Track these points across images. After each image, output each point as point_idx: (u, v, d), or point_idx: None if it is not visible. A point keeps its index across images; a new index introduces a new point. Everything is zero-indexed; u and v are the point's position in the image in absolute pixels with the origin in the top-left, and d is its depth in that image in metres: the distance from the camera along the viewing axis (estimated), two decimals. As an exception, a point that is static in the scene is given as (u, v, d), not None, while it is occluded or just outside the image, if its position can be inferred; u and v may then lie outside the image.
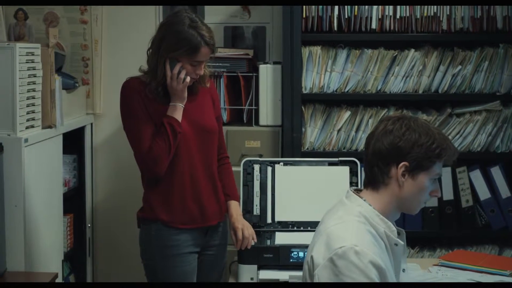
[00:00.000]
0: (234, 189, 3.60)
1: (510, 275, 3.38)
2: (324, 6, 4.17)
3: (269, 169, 3.76)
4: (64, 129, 4.11)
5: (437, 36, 4.21)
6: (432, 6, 4.17)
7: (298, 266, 3.36)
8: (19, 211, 3.58)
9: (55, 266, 4.00)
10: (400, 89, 4.24)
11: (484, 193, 4.29)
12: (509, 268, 3.44)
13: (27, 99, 3.67)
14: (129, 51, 4.57)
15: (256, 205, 3.72)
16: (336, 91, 4.26)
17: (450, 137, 4.22)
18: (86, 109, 4.63)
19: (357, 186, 3.68)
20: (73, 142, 4.48)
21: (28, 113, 3.68)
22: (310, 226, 3.65)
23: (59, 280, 3.84)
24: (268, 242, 3.53)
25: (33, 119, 3.74)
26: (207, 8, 4.63)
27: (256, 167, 3.76)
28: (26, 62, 3.66)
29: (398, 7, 4.17)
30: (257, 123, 4.32)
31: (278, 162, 3.80)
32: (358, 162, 3.75)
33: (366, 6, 4.18)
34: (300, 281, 3.12)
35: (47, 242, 3.91)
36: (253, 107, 4.33)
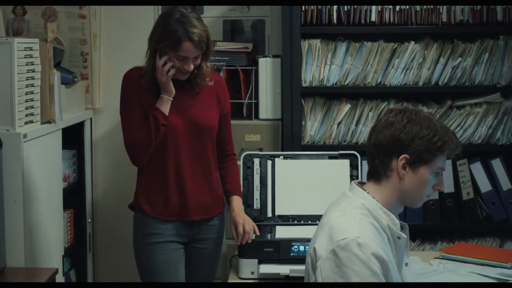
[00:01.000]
0: (238, 185, 3.60)
1: (511, 268, 3.38)
2: (324, -1, 4.16)
3: (269, 163, 3.75)
4: (63, 124, 4.10)
5: (437, 28, 4.20)
6: (432, -2, 4.16)
7: (298, 260, 3.35)
8: (19, 207, 3.57)
9: (55, 262, 3.99)
10: (400, 81, 4.23)
11: (485, 185, 4.28)
12: (510, 260, 3.43)
13: (25, 94, 3.65)
14: (128, 45, 4.55)
15: (256, 199, 3.71)
16: (336, 84, 4.24)
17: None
18: (85, 104, 4.61)
19: (357, 179, 3.67)
20: (73, 137, 4.47)
21: (27, 108, 3.67)
22: (310, 219, 3.64)
23: (59, 275, 3.83)
24: (269, 236, 3.52)
25: (32, 114, 3.72)
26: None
27: (256, 161, 3.75)
28: (25, 57, 3.64)
29: (398, -2, 4.16)
30: (257, 117, 4.31)
31: (278, 156, 3.79)
32: (358, 155, 3.74)
33: (366, -2, 4.17)
34: (301, 274, 3.12)
35: (47, 237, 3.90)
36: (253, 101, 4.32)
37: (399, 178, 2.57)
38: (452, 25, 4.20)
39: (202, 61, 3.39)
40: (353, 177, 3.72)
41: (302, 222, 3.66)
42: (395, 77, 4.22)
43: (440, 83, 4.23)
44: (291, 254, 3.41)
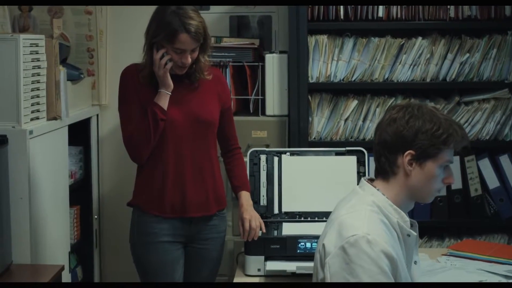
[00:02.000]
0: (245, 179, 3.59)
1: (519, 265, 3.36)
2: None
3: (276, 159, 3.73)
4: (69, 120, 4.08)
5: (445, 23, 4.17)
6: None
7: (305, 256, 3.34)
8: (25, 204, 3.56)
9: (61, 258, 3.98)
10: (408, 77, 4.21)
11: (493, 181, 4.25)
12: (519, 257, 3.42)
13: (31, 90, 3.64)
14: (134, 41, 4.49)
15: (263, 196, 3.69)
16: (343, 80, 4.22)
17: (458, 125, 4.18)
18: (91, 100, 4.60)
19: (365, 175, 3.65)
20: (79, 134, 4.46)
21: (32, 104, 3.66)
22: (317, 216, 3.63)
23: (65, 272, 3.82)
24: (275, 233, 3.51)
25: (38, 110, 3.71)
26: (213, -3, 4.60)
27: (263, 158, 3.73)
28: (30, 54, 3.63)
29: (405, -6, 4.14)
30: (263, 113, 4.29)
31: (285, 152, 3.77)
32: (366, 152, 3.72)
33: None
34: (308, 271, 3.11)
35: (53, 234, 3.89)
36: (260, 97, 4.30)
37: (406, 175, 2.56)
38: (459, 21, 4.17)
39: (200, 55, 3.37)
40: (360, 173, 3.70)
41: (309, 219, 3.65)
42: (403, 73, 4.20)
43: (447, 79, 4.21)
44: (298, 251, 3.39)
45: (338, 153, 3.77)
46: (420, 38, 4.19)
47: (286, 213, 3.68)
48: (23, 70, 3.56)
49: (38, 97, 3.72)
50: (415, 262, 2.65)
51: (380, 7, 4.14)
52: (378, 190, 2.60)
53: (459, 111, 4.21)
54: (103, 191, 4.73)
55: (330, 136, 4.25)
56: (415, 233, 2.60)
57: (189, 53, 3.30)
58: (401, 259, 2.50)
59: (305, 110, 4.13)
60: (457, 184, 4.22)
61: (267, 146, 4.18)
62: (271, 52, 4.29)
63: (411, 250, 2.61)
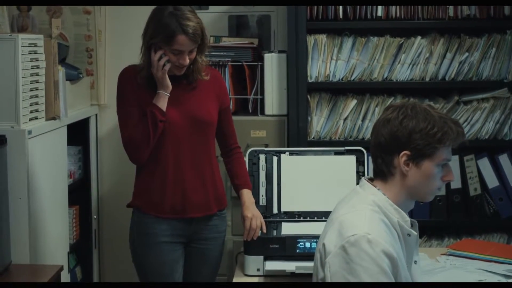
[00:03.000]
0: (247, 178, 3.58)
1: (519, 264, 3.36)
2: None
3: (275, 159, 3.73)
4: (68, 120, 4.08)
5: (444, 23, 4.17)
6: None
7: (304, 256, 3.33)
8: (24, 204, 3.56)
9: (61, 258, 3.98)
10: (407, 77, 4.21)
11: (492, 181, 4.25)
12: (518, 257, 3.41)
13: (30, 90, 3.64)
14: (133, 41, 4.49)
15: (262, 196, 3.69)
16: (342, 79, 4.22)
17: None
18: (90, 100, 4.60)
19: (364, 175, 3.65)
20: (78, 134, 4.46)
21: (31, 104, 3.66)
22: (316, 216, 3.62)
23: (65, 272, 3.81)
24: (274, 232, 3.50)
25: (36, 110, 3.71)
26: (211, -3, 4.60)
27: (262, 157, 3.73)
28: (29, 54, 3.63)
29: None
30: (262, 113, 4.28)
31: (284, 152, 3.76)
32: (365, 151, 3.71)
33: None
34: (307, 271, 3.11)
35: (53, 234, 3.88)
36: (259, 97, 4.29)
37: (403, 175, 2.56)
38: (459, 20, 4.17)
39: (197, 55, 3.36)
40: (359, 173, 3.69)
41: (308, 219, 3.64)
42: (402, 72, 4.20)
43: (447, 78, 4.20)
44: (297, 250, 3.39)
45: (337, 153, 3.77)
46: (419, 38, 4.18)
47: (285, 213, 3.68)
48: (22, 70, 3.55)
49: (37, 97, 3.71)
50: (415, 262, 2.65)
51: (379, 7, 4.14)
52: (378, 189, 2.59)
53: (458, 110, 4.21)
54: (102, 191, 4.73)
55: (329, 135, 4.25)
56: (415, 233, 2.60)
57: (187, 54, 3.29)
58: (402, 258, 2.50)
59: (304, 109, 4.13)
60: (456, 184, 4.22)
61: (266, 145, 4.18)
62: (270, 52, 4.28)
63: (412, 250, 2.61)
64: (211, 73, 3.50)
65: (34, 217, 3.64)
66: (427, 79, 4.21)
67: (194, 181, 3.41)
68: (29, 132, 3.58)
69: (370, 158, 3.86)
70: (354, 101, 4.23)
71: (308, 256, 3.30)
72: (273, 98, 4.25)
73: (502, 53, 4.18)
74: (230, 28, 4.59)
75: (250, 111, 4.32)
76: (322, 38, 4.18)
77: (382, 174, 2.60)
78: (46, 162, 3.79)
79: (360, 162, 3.71)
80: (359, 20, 4.18)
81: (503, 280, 3.19)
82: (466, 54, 4.17)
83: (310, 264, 3.10)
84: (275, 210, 3.68)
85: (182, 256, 3.48)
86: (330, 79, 4.22)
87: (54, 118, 3.87)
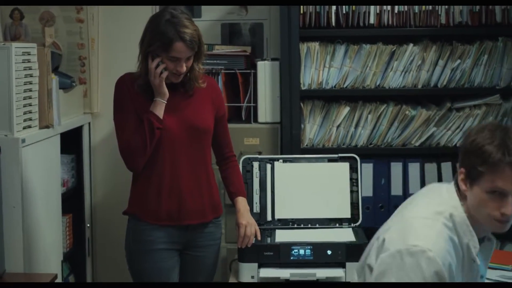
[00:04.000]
0: (242, 186, 3.59)
1: (512, 270, 3.37)
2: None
3: (268, 166, 3.74)
4: (61, 129, 4.08)
5: (436, 30, 4.19)
6: None
7: (299, 263, 3.35)
8: (17, 212, 3.56)
9: (54, 267, 3.97)
10: (399, 84, 4.22)
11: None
12: (511, 262, 3.42)
13: (24, 99, 3.64)
14: (126, 49, 4.53)
15: (256, 203, 3.70)
16: (334, 87, 4.23)
17: (449, 131, 4.20)
18: (83, 109, 4.60)
19: (357, 182, 3.65)
20: (71, 142, 4.45)
21: (25, 113, 3.66)
22: (310, 223, 3.64)
23: (58, 280, 3.81)
24: (268, 240, 3.51)
25: (30, 119, 3.71)
26: (204, 6, 4.60)
27: (255, 165, 3.74)
28: (23, 62, 3.63)
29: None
30: (255, 120, 4.29)
31: (278, 159, 3.78)
32: (358, 158, 3.73)
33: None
34: (301, 278, 3.11)
35: (46, 242, 3.88)
36: (252, 104, 4.30)
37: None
38: (451, 27, 4.19)
39: (194, 63, 3.38)
40: (352, 180, 3.70)
41: (302, 226, 3.65)
42: (394, 80, 4.21)
43: (439, 85, 4.22)
44: (291, 258, 3.40)
45: (330, 160, 3.78)
46: (411, 45, 4.20)
47: (279, 220, 3.69)
48: (16, 78, 3.56)
49: (30, 105, 3.71)
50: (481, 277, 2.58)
51: (372, 14, 4.15)
52: (462, 205, 2.46)
53: (451, 117, 4.22)
54: (95, 200, 4.73)
55: (322, 143, 4.25)
56: (478, 262, 2.48)
57: (184, 61, 3.31)
58: (454, 280, 2.40)
59: (297, 117, 4.14)
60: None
61: (260, 153, 4.18)
62: (263, 60, 4.30)
63: (475, 274, 2.51)
64: (207, 81, 3.51)
65: (28, 225, 3.64)
66: (420, 86, 4.22)
67: (190, 189, 3.41)
68: (23, 140, 3.58)
69: (363, 165, 3.90)
70: (347, 108, 4.24)
71: (302, 263, 3.31)
72: (266, 105, 4.26)
73: (494, 60, 4.20)
74: (223, 36, 4.60)
75: (243, 118, 4.32)
76: (315, 45, 4.19)
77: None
78: (40, 170, 3.79)
79: (353, 169, 3.73)
80: (351, 27, 4.19)
81: (497, 286, 3.20)
82: (458, 61, 4.19)
83: (304, 271, 3.12)
84: (269, 217, 3.69)
85: (178, 264, 3.48)
86: (323, 86, 4.23)
87: (47, 127, 3.87)
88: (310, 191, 3.70)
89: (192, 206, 3.41)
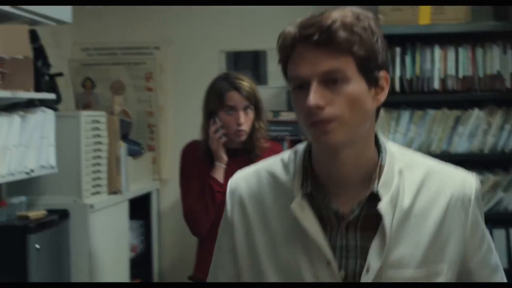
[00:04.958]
0: None
1: None
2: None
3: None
4: (130, 194, 4.16)
5: (501, 94, 4.17)
6: (495, 65, 4.14)
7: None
8: (85, 277, 3.62)
9: (121, 332, 4.02)
10: (465, 149, 4.20)
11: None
12: None
13: (92, 165, 3.73)
14: (194, 117, 4.61)
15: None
16: (400, 152, 4.22)
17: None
18: (152, 175, 4.68)
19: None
20: (140, 208, 4.53)
21: (94, 179, 3.75)
22: None
23: None
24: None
25: (99, 185, 3.80)
26: (270, 73, 4.68)
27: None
28: (92, 130, 3.74)
29: (460, 66, 4.15)
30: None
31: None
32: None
33: (428, 66, 4.16)
34: None
35: (114, 307, 3.93)
36: (316, 170, 4.31)
37: None
38: (516, 92, 4.17)
39: (255, 122, 3.40)
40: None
41: None
42: (460, 145, 4.19)
43: (506, 150, 4.18)
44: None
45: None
46: (476, 110, 4.18)
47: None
48: (85, 146, 3.66)
49: (99, 172, 3.80)
50: None
51: (436, 80, 4.16)
52: None
53: (519, 182, 4.18)
54: (163, 265, 4.77)
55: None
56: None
57: (243, 114, 3.34)
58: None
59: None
60: (503, 262, 4.14)
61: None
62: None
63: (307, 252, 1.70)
64: (273, 148, 3.53)
65: (96, 290, 3.70)
66: (486, 151, 4.19)
67: None
68: (91, 206, 3.66)
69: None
70: (413, 174, 4.21)
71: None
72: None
73: (561, 124, 4.16)
74: (288, 103, 4.65)
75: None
76: (380, 111, 4.19)
77: None
78: (108, 235, 3.86)
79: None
80: (416, 93, 4.20)
81: None
82: (525, 125, 4.16)
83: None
84: None
85: None
86: (388, 152, 4.22)
87: (116, 193, 3.95)
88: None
89: None
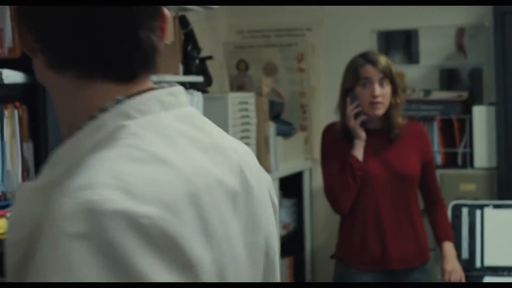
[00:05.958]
0: (449, 231, 3.56)
1: None
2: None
3: (478, 212, 3.68)
4: (280, 173, 4.25)
5: None
6: None
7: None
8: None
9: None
10: None
11: None
12: None
13: (241, 145, 3.84)
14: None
15: (465, 249, 3.65)
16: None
17: None
18: (304, 154, 4.76)
19: None
20: (293, 186, 4.62)
21: (242, 158, 3.85)
22: (523, 272, 3.53)
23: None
24: (475, 286, 3.46)
25: (247, 164, 3.90)
26: (422, 52, 4.63)
27: (465, 211, 3.69)
28: (240, 111, 3.84)
29: None
30: (472, 166, 4.24)
31: (488, 205, 3.71)
32: None
33: None
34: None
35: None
36: (468, 150, 4.26)
37: None
38: None
39: (392, 98, 3.40)
40: None
41: (513, 274, 3.56)
42: None
43: None
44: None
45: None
46: None
47: (488, 267, 3.61)
48: (232, 126, 3.77)
49: (248, 151, 3.90)
50: None
51: None
52: None
53: None
54: (316, 243, 4.84)
55: (542, 189, 4.13)
56: None
57: (378, 87, 3.35)
58: None
59: (514, 162, 4.06)
60: None
61: (476, 198, 4.12)
62: (479, 105, 4.25)
63: None
64: (414, 128, 3.53)
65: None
66: None
67: (394, 234, 3.43)
68: (239, 185, 3.76)
69: None
70: None
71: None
72: (483, 151, 4.20)
73: None
74: (441, 82, 4.60)
75: (460, 164, 4.28)
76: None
77: None
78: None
79: None
80: None
81: None
82: None
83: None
84: (478, 264, 3.62)
85: None
86: (543, 131, 4.11)
87: (265, 172, 4.04)
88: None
89: (395, 251, 3.42)
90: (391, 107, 3.40)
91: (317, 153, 4.74)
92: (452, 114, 4.29)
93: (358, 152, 3.40)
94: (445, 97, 4.34)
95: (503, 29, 4.05)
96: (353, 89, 3.38)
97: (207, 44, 4.55)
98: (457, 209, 3.70)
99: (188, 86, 3.73)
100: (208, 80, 4.00)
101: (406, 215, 3.45)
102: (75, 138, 1.09)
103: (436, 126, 4.28)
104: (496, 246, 3.64)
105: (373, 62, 3.34)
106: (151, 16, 1.11)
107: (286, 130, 4.46)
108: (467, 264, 3.61)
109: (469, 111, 4.28)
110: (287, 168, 4.40)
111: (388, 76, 3.36)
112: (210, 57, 4.01)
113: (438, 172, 3.90)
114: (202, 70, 3.91)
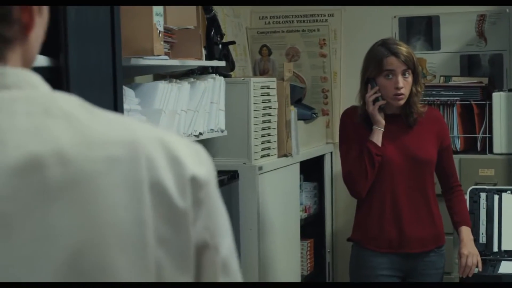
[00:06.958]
0: (466, 215, 3.60)
1: None
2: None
3: (496, 197, 3.73)
4: (301, 157, 4.31)
5: None
6: None
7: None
8: (254, 234, 3.82)
9: (291, 288, 4.19)
10: None
11: None
12: None
13: (262, 129, 3.91)
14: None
15: (482, 233, 3.70)
16: None
17: None
18: (326, 139, 4.82)
19: None
20: (314, 170, 4.69)
21: (263, 142, 3.93)
22: (540, 256, 3.57)
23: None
24: (491, 270, 3.50)
25: (269, 148, 3.98)
26: (443, 38, 4.67)
27: (483, 195, 3.74)
28: (261, 95, 3.91)
29: None
30: (491, 151, 4.28)
31: (506, 191, 3.76)
32: None
33: None
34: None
35: (283, 265, 4.11)
36: (487, 135, 4.30)
37: None
38: None
39: (413, 86, 3.45)
40: None
41: (531, 258, 3.61)
42: None
43: None
44: (513, 289, 3.38)
45: None
46: None
47: (506, 251, 3.66)
48: (254, 110, 3.84)
49: (269, 135, 3.98)
50: None
51: None
52: None
53: None
54: (336, 226, 4.91)
55: (561, 175, 4.16)
56: None
57: (401, 78, 3.41)
58: None
59: (533, 148, 4.09)
60: None
61: (495, 184, 4.16)
62: (499, 91, 4.29)
63: None
64: (431, 113, 3.57)
65: (264, 247, 3.89)
66: None
67: (410, 217, 3.48)
68: (260, 168, 3.84)
69: None
70: None
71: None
72: (502, 136, 4.24)
73: None
74: (461, 68, 4.64)
75: (479, 149, 4.33)
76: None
77: None
78: (277, 196, 4.04)
79: None
80: None
81: None
82: None
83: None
84: (495, 249, 3.67)
85: None
86: (562, 117, 4.14)
87: (285, 155, 4.12)
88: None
89: (412, 235, 3.48)
90: (411, 95, 3.45)
91: (337, 137, 4.80)
92: (472, 99, 4.32)
93: (377, 138, 3.46)
94: (465, 83, 4.38)
95: (524, 16, 4.08)
96: (375, 78, 3.44)
97: (231, 30, 4.61)
98: (475, 194, 3.75)
99: (211, 70, 3.80)
100: (231, 65, 4.07)
101: (423, 199, 3.51)
102: None
103: (455, 111, 4.32)
104: (513, 231, 3.69)
105: (396, 54, 3.38)
106: None
107: (307, 115, 4.52)
108: (485, 248, 3.66)
109: (489, 97, 4.31)
110: (308, 152, 4.47)
111: (411, 67, 3.42)
112: (233, 42, 4.08)
113: (457, 157, 3.96)
114: (225, 55, 3.97)
